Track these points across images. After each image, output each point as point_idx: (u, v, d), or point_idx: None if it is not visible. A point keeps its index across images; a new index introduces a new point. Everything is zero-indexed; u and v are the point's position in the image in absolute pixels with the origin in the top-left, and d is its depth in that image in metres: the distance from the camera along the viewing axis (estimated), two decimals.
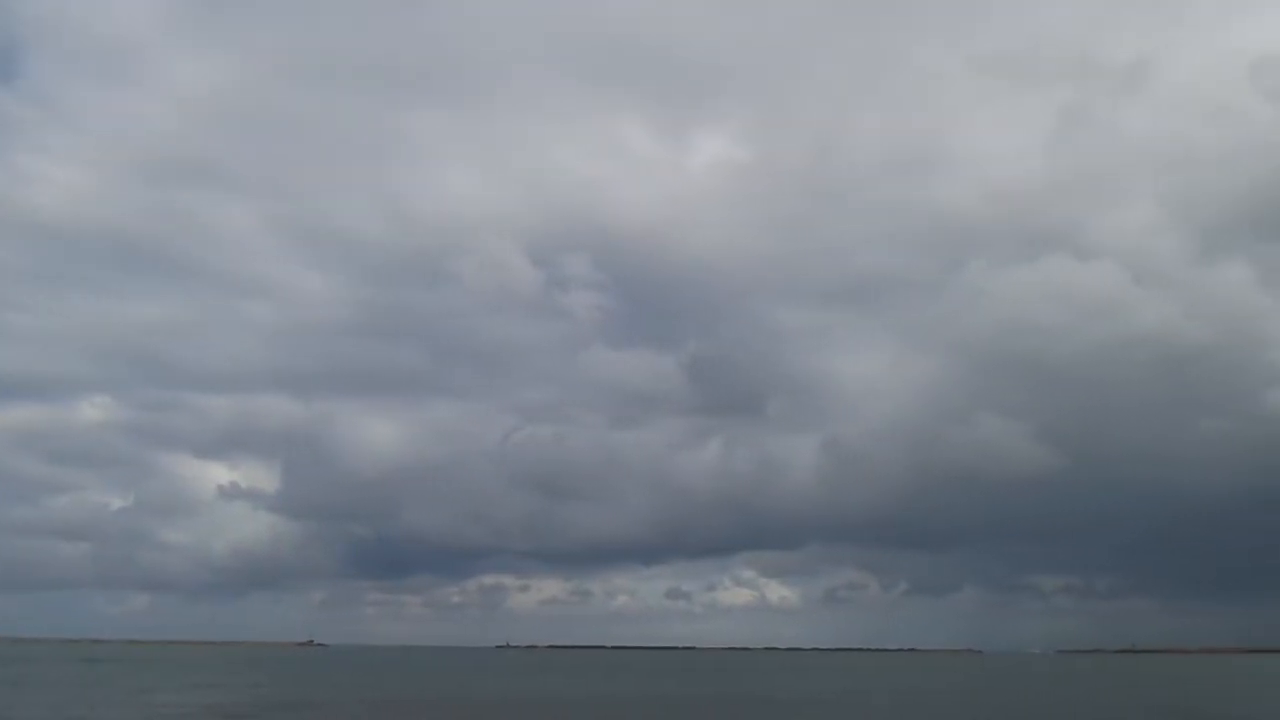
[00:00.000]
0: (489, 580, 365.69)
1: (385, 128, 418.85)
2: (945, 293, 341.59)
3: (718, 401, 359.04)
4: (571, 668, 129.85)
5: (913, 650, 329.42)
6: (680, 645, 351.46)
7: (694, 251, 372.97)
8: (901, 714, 49.40)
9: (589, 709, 50.68)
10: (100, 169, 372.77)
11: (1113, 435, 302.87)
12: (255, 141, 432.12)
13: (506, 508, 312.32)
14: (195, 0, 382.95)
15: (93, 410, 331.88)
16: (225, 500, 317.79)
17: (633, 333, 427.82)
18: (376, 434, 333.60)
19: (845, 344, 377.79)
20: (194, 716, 42.80)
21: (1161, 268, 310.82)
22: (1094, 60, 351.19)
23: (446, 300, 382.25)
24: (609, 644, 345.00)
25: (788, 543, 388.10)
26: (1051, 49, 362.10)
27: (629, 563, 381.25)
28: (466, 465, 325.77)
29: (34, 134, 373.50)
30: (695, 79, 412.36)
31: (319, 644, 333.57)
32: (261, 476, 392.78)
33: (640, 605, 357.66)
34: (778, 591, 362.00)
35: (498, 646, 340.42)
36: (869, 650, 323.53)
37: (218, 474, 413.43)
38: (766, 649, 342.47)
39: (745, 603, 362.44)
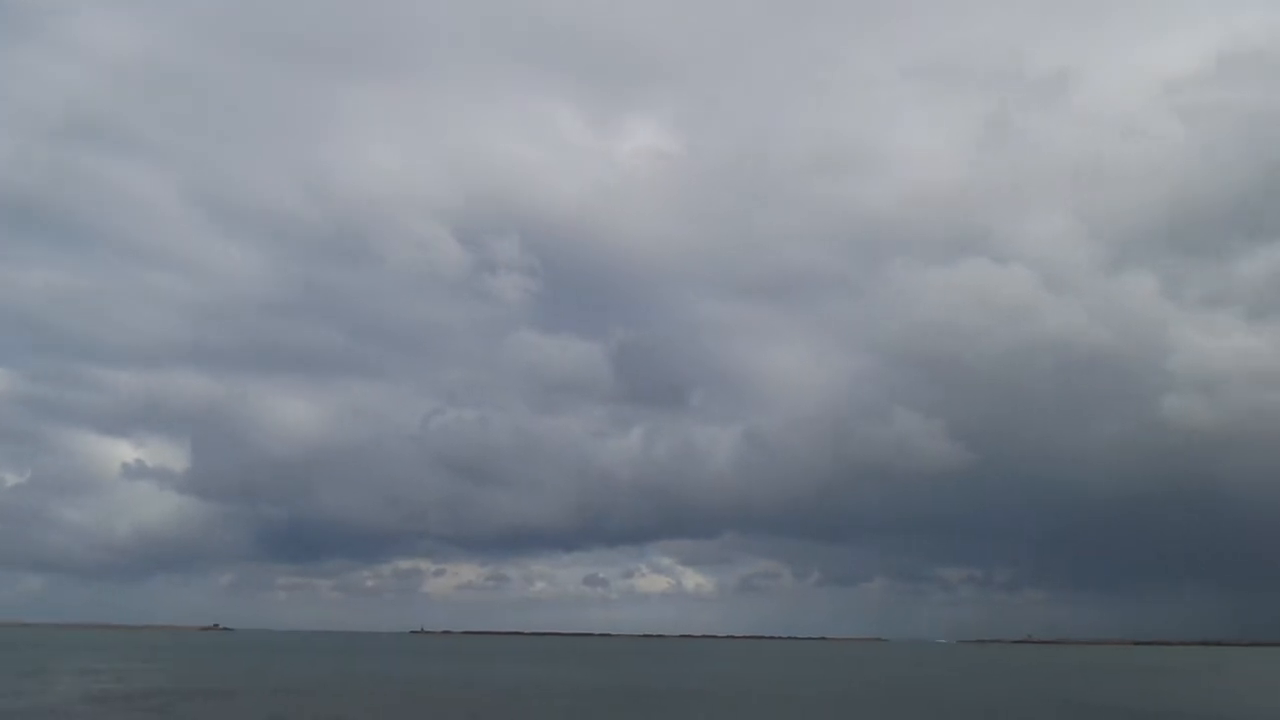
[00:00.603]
0: (404, 564, 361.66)
1: (311, 100, 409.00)
2: (867, 291, 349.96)
3: (641, 390, 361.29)
4: (486, 653, 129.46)
5: (822, 638, 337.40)
6: (596, 632, 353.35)
7: (623, 240, 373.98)
8: (810, 702, 50.78)
9: (497, 695, 50.77)
10: (4, 130, 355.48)
11: (1019, 434, 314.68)
12: (173, 108, 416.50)
13: (425, 491, 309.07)
14: None
15: None
16: (130, 479, 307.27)
17: (559, 318, 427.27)
18: (292, 413, 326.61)
19: (768, 338, 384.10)
20: (88, 703, 41.50)
21: (1071, 275, 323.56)
22: (1019, 72, 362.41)
23: (369, 279, 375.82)
24: (525, 630, 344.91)
25: (705, 531, 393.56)
26: (979, 58, 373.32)
27: (548, 549, 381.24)
28: (385, 447, 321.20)
29: None
30: (628, 66, 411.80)
31: (224, 628, 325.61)
32: (169, 455, 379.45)
33: (558, 591, 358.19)
34: (694, 579, 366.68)
35: (412, 632, 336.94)
36: (780, 638, 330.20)
37: (122, 451, 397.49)
38: (681, 636, 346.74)
39: (662, 590, 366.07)
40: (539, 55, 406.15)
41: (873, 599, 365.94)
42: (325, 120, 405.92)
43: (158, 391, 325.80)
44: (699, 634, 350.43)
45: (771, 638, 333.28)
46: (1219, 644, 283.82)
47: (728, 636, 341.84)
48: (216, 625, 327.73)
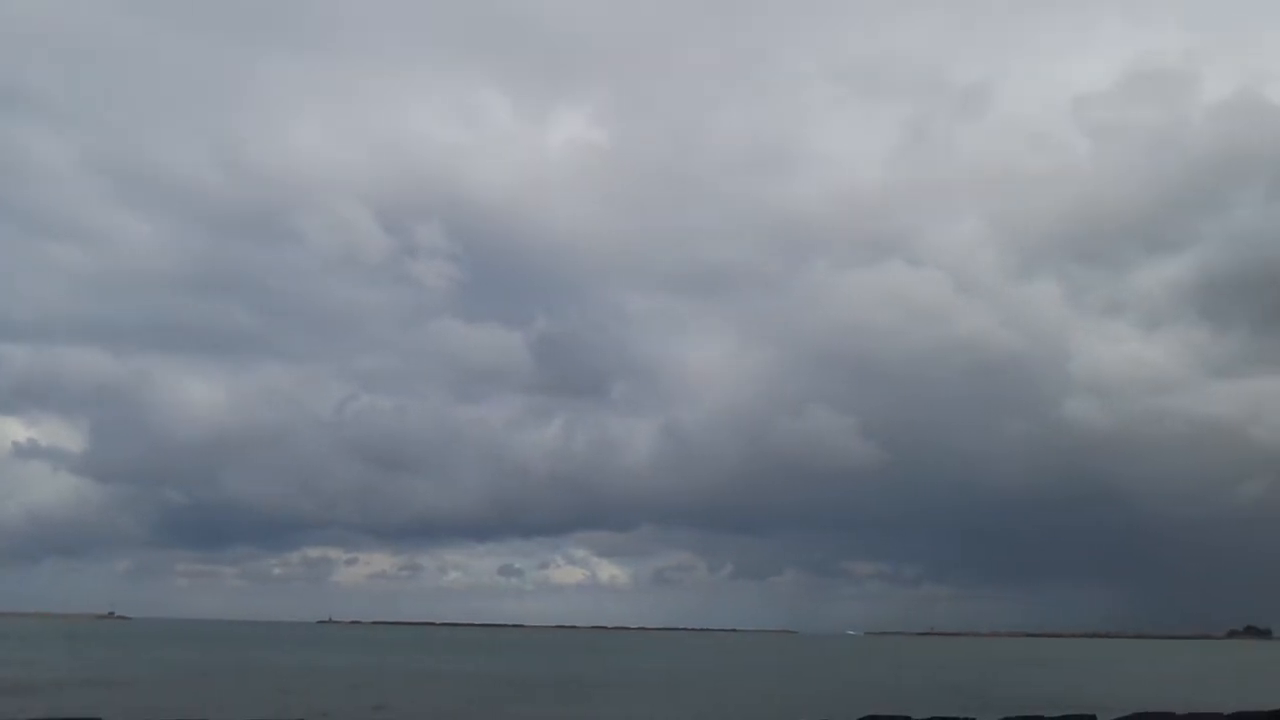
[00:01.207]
0: (314, 552, 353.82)
1: (229, 70, 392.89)
2: (788, 289, 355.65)
3: (562, 381, 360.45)
4: (394, 643, 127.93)
5: (733, 630, 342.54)
6: (510, 623, 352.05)
7: (548, 229, 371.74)
8: (707, 690, 51.79)
9: (403, 684, 50.40)
10: None
11: (929, 433, 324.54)
12: (76, 71, 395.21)
13: (337, 478, 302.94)
14: None
15: None
16: (20, 459, 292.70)
17: (482, 306, 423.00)
18: (199, 395, 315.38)
19: (690, 332, 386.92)
20: None
21: (982, 280, 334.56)
22: (940, 81, 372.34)
23: (285, 259, 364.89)
24: (437, 620, 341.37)
25: (621, 524, 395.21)
26: (903, 66, 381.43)
27: (462, 539, 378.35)
28: (296, 432, 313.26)
29: None
30: (560, 55, 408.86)
31: (121, 616, 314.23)
32: (64, 435, 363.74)
33: (471, 582, 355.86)
34: (608, 571, 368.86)
35: (319, 622, 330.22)
36: (692, 630, 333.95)
37: (13, 430, 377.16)
38: (594, 628, 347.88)
39: (576, 581, 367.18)
40: (470, 40, 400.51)
41: (784, 592, 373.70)
42: (243, 92, 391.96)
43: (53, 368, 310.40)
44: (612, 626, 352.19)
45: (684, 629, 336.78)
46: (1107, 636, 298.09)
47: (640, 628, 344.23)
48: (112, 613, 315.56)
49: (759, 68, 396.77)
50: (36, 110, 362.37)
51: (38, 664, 61.70)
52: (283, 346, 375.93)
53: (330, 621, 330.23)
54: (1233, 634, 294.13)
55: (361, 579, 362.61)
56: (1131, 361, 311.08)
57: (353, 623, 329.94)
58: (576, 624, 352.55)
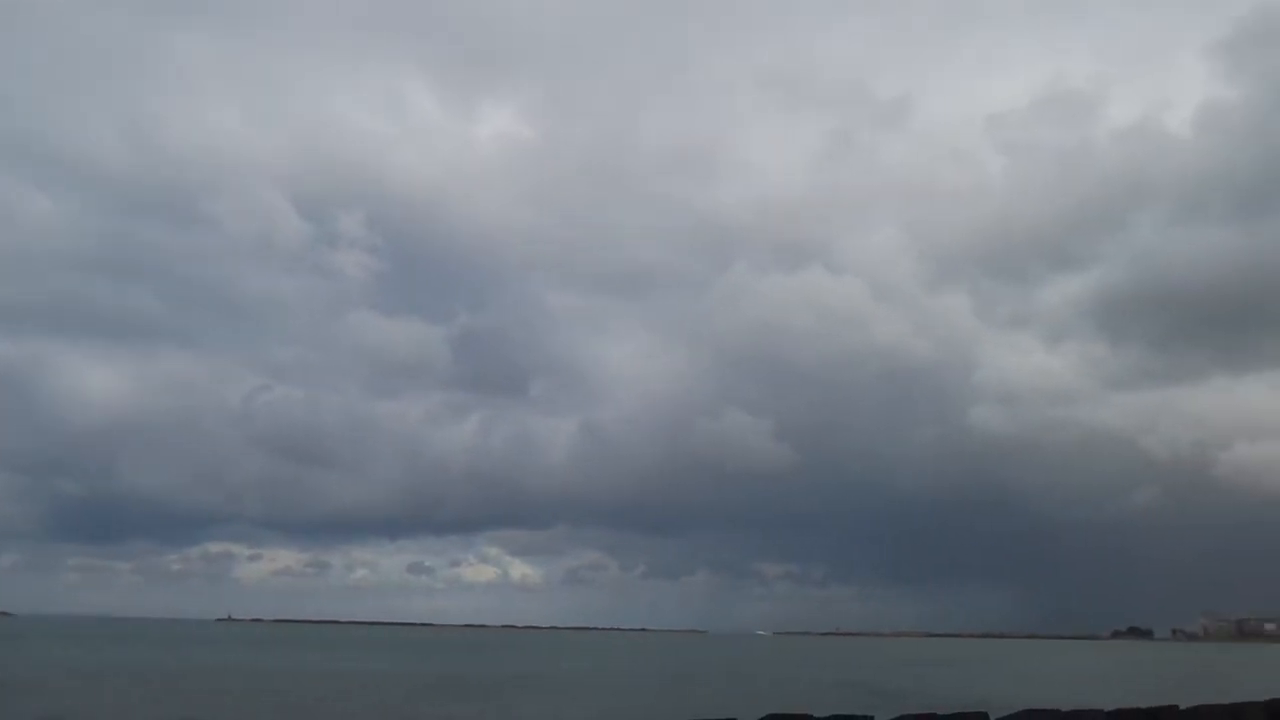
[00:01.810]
0: (215, 548, 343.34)
1: (142, 46, 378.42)
2: (709, 291, 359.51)
3: (481, 377, 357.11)
4: (296, 642, 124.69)
5: (644, 630, 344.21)
6: (419, 622, 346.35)
7: (472, 224, 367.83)
8: (613, 690, 51.98)
9: (296, 684, 49.20)
10: None
11: (841, 436, 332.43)
12: None
13: (244, 471, 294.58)
14: None
15: None
16: None
17: (401, 299, 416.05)
18: (98, 381, 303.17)
19: (611, 331, 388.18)
20: None
21: (897, 288, 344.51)
22: (862, 92, 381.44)
23: (196, 243, 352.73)
24: (343, 619, 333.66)
25: (536, 522, 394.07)
26: (827, 76, 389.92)
27: (373, 536, 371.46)
28: (202, 423, 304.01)
29: None
30: (490, 49, 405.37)
31: (5, 613, 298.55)
32: None
33: (380, 580, 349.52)
34: (521, 570, 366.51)
35: (218, 619, 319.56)
36: (603, 630, 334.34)
37: None
38: (504, 627, 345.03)
39: (488, 580, 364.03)
40: (399, 28, 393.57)
41: (696, 591, 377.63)
42: (158, 70, 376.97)
43: None
44: (522, 625, 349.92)
45: (594, 629, 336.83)
46: (1002, 636, 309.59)
47: (551, 628, 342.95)
48: None
49: (688, 73, 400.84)
50: None
51: None
52: (191, 334, 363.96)
53: (230, 619, 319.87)
54: (1117, 634, 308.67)
55: (265, 576, 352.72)
56: (1035, 372, 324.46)
57: (254, 621, 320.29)
58: (487, 623, 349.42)
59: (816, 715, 13.84)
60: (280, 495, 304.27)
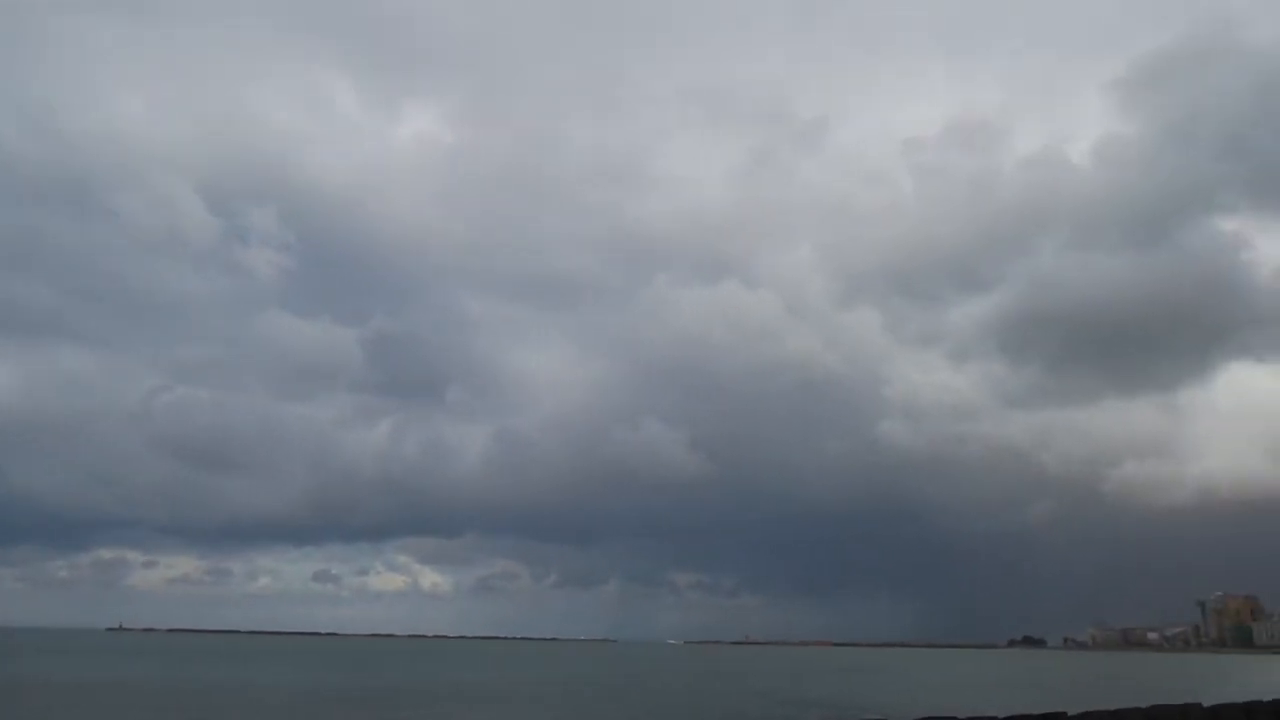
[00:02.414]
0: (108, 554, 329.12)
1: (43, 26, 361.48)
2: (630, 302, 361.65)
3: (395, 382, 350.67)
4: (192, 652, 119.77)
5: (554, 639, 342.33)
6: (323, 631, 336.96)
7: (390, 225, 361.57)
8: (522, 700, 51.40)
9: (186, 698, 47.17)
10: None
11: (754, 447, 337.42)
12: None
13: (140, 474, 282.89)
14: None
15: None
16: None
17: (314, 300, 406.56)
18: None
19: (529, 339, 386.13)
20: None
21: (810, 304, 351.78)
22: (782, 111, 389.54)
23: (96, 235, 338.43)
24: (243, 628, 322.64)
25: (447, 530, 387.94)
26: (749, 94, 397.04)
27: (277, 543, 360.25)
28: (97, 423, 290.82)
29: None
30: (415, 50, 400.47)
31: None
32: None
33: (283, 587, 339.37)
34: (430, 578, 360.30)
35: (109, 629, 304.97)
36: (512, 639, 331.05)
37: None
38: (412, 636, 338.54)
39: (396, 588, 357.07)
40: (319, 23, 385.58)
41: (608, 601, 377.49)
42: (58, 52, 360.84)
43: None
44: (431, 634, 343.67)
45: (504, 638, 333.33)
46: (904, 645, 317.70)
47: (460, 637, 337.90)
48: None
49: (614, 86, 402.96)
50: None
51: None
52: (88, 330, 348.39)
53: (121, 629, 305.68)
54: (1013, 643, 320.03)
55: (160, 583, 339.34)
56: (940, 389, 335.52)
57: (147, 630, 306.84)
58: (395, 632, 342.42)
59: None
60: (180, 500, 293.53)
